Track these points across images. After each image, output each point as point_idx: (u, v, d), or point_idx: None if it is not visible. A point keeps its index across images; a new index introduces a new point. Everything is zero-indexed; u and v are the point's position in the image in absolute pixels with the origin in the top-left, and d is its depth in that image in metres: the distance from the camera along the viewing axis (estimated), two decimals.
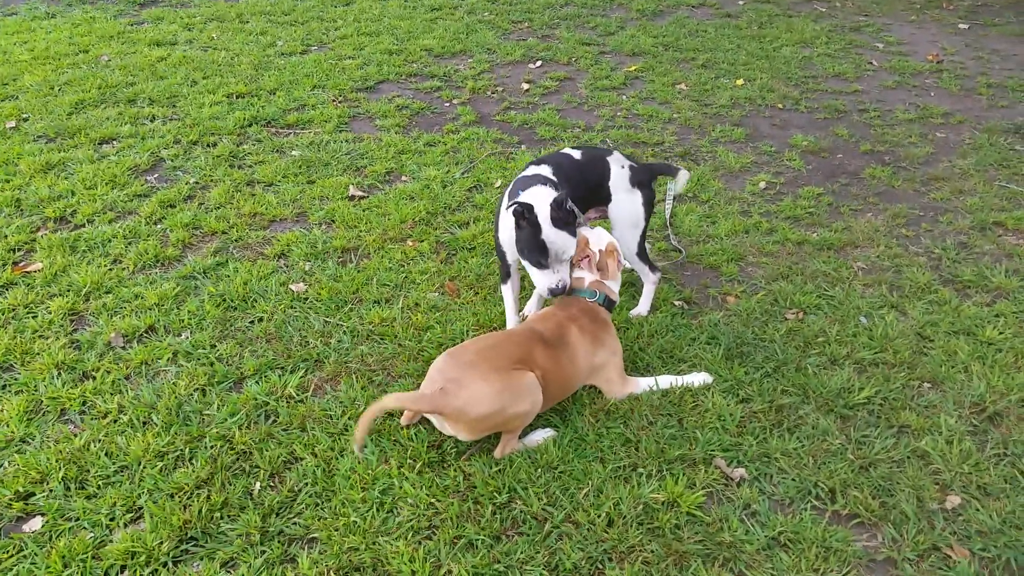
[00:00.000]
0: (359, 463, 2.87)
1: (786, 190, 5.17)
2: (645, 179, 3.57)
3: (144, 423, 3.07)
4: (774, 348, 3.57)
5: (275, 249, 4.31)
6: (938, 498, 2.82)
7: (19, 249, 4.28)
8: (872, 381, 3.36)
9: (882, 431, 3.11)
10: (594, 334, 3.13)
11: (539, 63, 7.47)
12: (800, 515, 2.76)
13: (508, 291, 3.49)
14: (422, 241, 4.43)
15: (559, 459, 2.90)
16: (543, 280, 3.10)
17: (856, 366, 3.50)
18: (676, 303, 3.90)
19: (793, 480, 2.90)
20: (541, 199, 3.04)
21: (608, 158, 3.52)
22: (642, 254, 3.66)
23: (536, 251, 3.04)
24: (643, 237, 3.62)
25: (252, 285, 3.96)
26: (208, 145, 5.55)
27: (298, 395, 3.24)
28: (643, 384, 3.22)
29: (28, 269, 4.09)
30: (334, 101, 6.40)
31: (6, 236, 4.36)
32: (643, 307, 3.80)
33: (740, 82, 7.02)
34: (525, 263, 3.16)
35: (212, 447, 2.95)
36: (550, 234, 3.00)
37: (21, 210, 4.67)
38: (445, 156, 5.53)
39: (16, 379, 3.32)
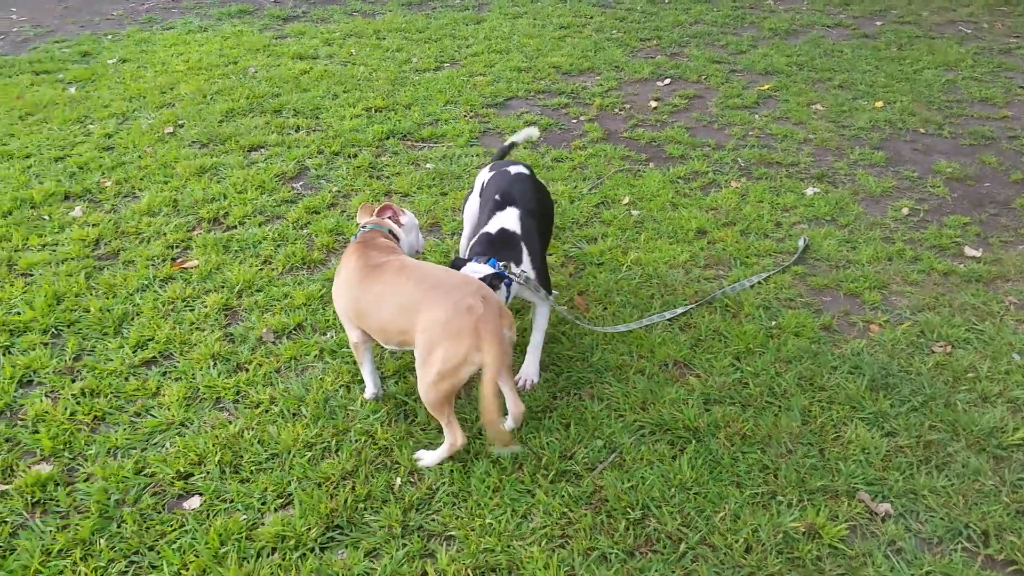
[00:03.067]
0: (494, 467, 2.93)
1: (930, 218, 4.95)
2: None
3: (294, 414, 3.23)
4: (921, 381, 3.42)
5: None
6: None
7: (177, 246, 4.59)
8: None
9: None
10: None
11: (668, 80, 7.44)
12: (950, 556, 2.64)
13: None
14: (550, 254, 4.48)
15: (693, 480, 2.87)
16: None
17: (1010, 405, 3.31)
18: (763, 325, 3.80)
19: (942, 519, 2.77)
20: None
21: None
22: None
23: None
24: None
25: None
26: (349, 156, 5.79)
27: None
28: None
29: (185, 265, 4.38)
30: (466, 116, 6.57)
31: (165, 234, 4.68)
32: None
33: (879, 104, 6.77)
34: None
35: (357, 441, 3.07)
36: None
37: (178, 210, 5.00)
38: (572, 172, 5.57)
39: (176, 367, 3.56)
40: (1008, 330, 3.81)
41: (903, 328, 3.79)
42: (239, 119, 6.46)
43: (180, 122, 6.41)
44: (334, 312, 3.90)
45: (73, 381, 3.47)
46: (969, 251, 4.55)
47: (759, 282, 4.15)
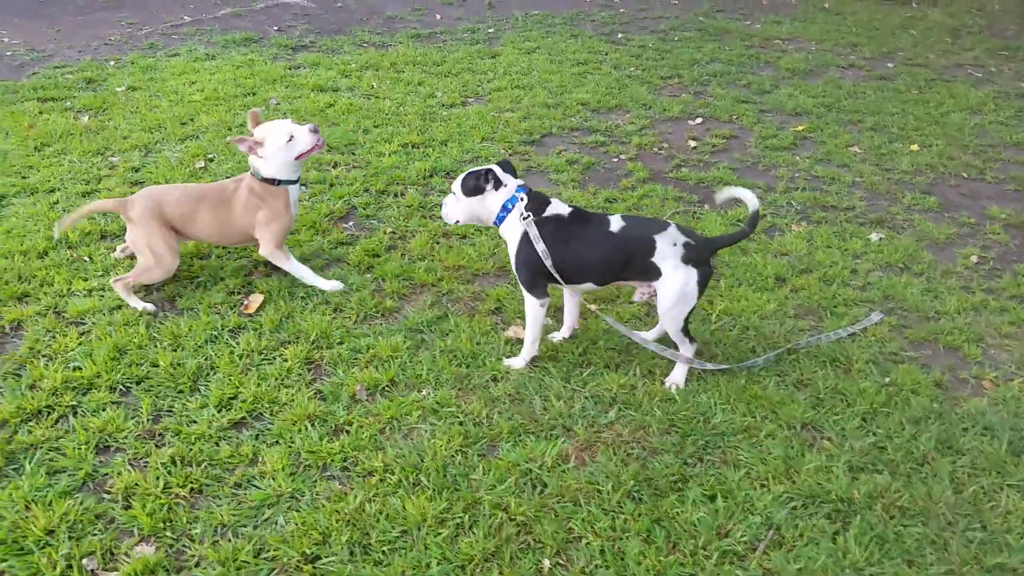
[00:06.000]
0: (649, 547, 2.73)
1: (1000, 266, 4.92)
2: (703, 257, 3.45)
3: (415, 485, 2.99)
4: None
5: (488, 305, 4.25)
6: None
7: (237, 292, 4.31)
8: None
9: None
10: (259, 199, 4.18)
11: (699, 120, 7.39)
12: None
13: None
14: (631, 303, 4.32)
15: (864, 559, 2.70)
16: None
17: None
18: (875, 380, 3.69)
19: None
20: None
21: (657, 235, 3.42)
22: (685, 329, 3.56)
23: None
24: (690, 313, 3.51)
25: (478, 341, 3.89)
26: (396, 195, 5.58)
27: (558, 464, 3.12)
28: (291, 263, 4.30)
29: (250, 310, 4.12)
30: (505, 154, 6.40)
31: (223, 278, 4.40)
32: (677, 377, 3.65)
33: (915, 147, 6.80)
34: None
35: (491, 516, 2.84)
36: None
37: (228, 251, 4.72)
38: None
39: (269, 429, 3.29)
40: None
41: (1016, 385, 3.70)
42: None
43: (209, 155, 6.13)
44: (427, 367, 3.68)
45: (158, 447, 3.18)
46: None
47: (854, 335, 4.04)
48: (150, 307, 4.12)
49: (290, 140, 4.10)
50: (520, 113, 7.36)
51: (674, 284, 3.39)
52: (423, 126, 6.89)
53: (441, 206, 3.76)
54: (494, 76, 8.47)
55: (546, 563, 2.68)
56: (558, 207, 3.55)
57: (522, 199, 3.52)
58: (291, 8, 11.67)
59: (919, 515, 2.89)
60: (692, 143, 6.80)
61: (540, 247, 3.44)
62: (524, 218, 3.48)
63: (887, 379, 3.70)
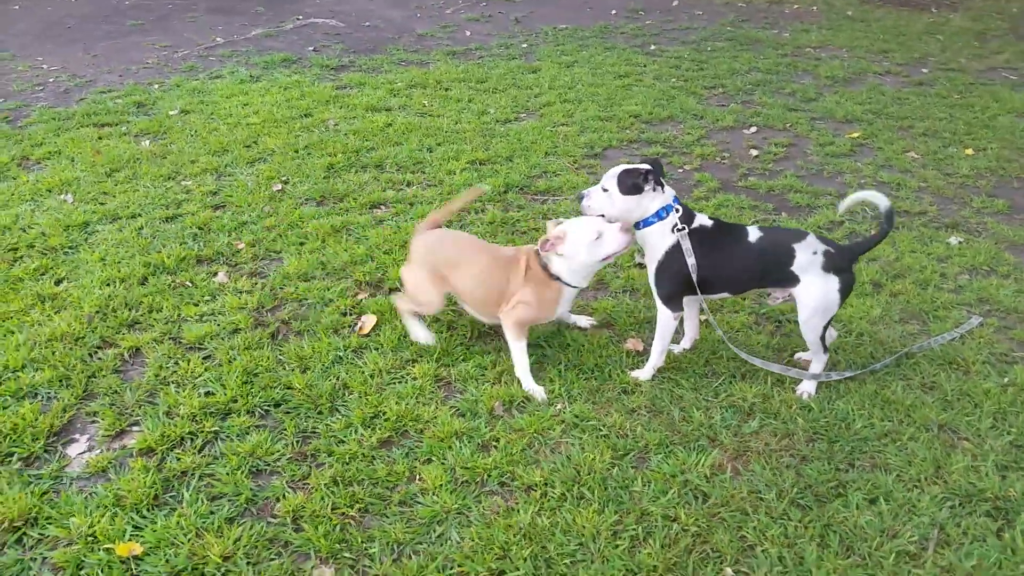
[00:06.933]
0: (825, 551, 2.78)
1: None
2: (844, 264, 3.50)
3: (580, 498, 3.04)
4: None
5: (598, 317, 4.31)
6: None
7: (349, 313, 4.36)
8: None
9: None
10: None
11: (754, 128, 7.48)
12: None
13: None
14: (737, 312, 4.39)
15: None
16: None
17: None
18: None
19: None
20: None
21: (795, 244, 3.47)
22: (823, 337, 3.60)
23: None
24: (829, 322, 3.57)
25: (600, 354, 3.95)
26: (476, 211, 5.64)
27: (715, 474, 3.17)
28: (518, 345, 3.75)
29: (364, 331, 4.16)
30: (572, 168, 6.48)
31: (332, 300, 4.45)
32: (807, 385, 3.71)
33: (969, 151, 6.89)
34: None
35: (665, 527, 2.89)
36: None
37: (328, 273, 4.77)
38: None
39: (419, 446, 3.34)
40: None
41: None
42: (343, 175, 6.25)
43: (284, 178, 6.18)
44: (558, 382, 3.74)
45: (317, 467, 3.22)
46: None
47: (958, 338, 4.12)
48: (430, 340, 3.99)
49: (598, 238, 3.55)
50: (575, 127, 7.44)
51: (816, 293, 3.46)
52: (485, 143, 6.96)
53: (582, 197, 3.60)
54: (540, 91, 8.56)
55: (728, 571, 2.73)
56: (702, 218, 3.60)
57: (677, 210, 3.53)
58: (321, 28, 11.77)
59: None
60: (753, 152, 6.89)
61: (691, 261, 3.47)
62: (679, 230, 3.50)
63: (1005, 379, 3.77)
